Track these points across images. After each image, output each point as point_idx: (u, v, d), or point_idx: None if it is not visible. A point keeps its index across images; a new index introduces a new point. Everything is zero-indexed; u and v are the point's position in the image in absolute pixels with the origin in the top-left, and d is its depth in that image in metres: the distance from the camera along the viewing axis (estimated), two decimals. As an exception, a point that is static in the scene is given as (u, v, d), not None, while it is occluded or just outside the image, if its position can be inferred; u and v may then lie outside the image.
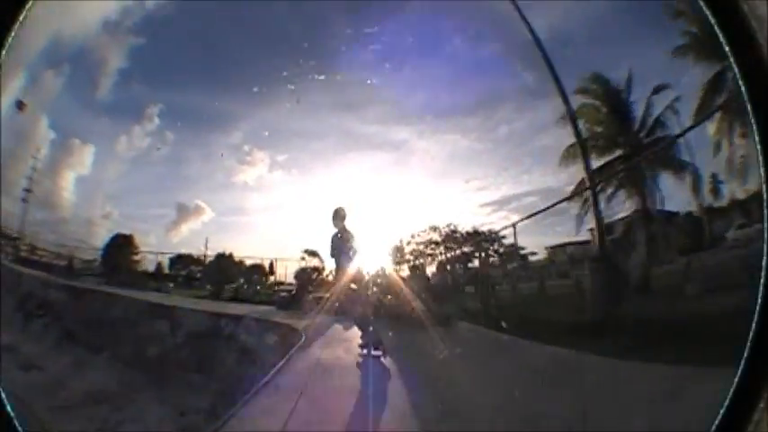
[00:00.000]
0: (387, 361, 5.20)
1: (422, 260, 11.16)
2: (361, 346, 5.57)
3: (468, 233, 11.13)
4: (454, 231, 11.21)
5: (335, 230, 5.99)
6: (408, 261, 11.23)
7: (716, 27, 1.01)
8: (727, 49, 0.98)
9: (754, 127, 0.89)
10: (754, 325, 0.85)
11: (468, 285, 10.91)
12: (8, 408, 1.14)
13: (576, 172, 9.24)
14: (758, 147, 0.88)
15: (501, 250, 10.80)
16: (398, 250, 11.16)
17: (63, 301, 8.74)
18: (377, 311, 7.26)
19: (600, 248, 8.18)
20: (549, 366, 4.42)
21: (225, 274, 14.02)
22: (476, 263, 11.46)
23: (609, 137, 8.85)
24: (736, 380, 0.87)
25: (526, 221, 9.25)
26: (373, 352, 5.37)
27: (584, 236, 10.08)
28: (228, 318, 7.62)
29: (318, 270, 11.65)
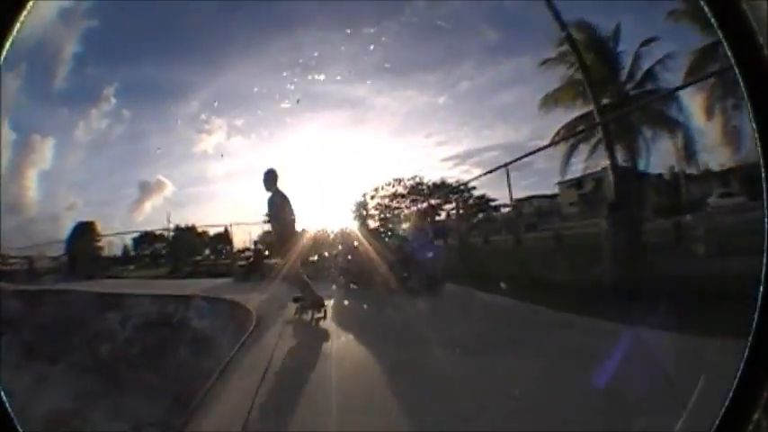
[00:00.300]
0: (367, 357, 4.06)
1: (389, 214, 10.31)
2: (301, 309, 5.08)
3: (434, 185, 10.38)
4: (419, 183, 10.47)
5: (269, 194, 5.62)
6: (373, 216, 10.41)
7: (716, 27, 1.01)
8: (727, 49, 0.98)
9: (755, 126, 0.89)
10: (754, 324, 0.86)
11: (437, 240, 9.70)
12: (8, 408, 1.13)
13: (546, 123, 8.99)
14: (758, 147, 0.88)
15: (470, 202, 10.29)
16: (362, 206, 10.43)
17: (19, 310, 8.45)
18: (349, 277, 6.63)
19: (617, 195, 7.40)
20: (605, 346, 3.03)
21: (188, 248, 13.26)
22: (442, 216, 10.46)
23: (593, 86, 8.64)
24: (736, 379, 0.87)
25: (489, 175, 8.89)
26: (316, 315, 4.98)
27: (550, 189, 9.82)
28: (179, 300, 6.69)
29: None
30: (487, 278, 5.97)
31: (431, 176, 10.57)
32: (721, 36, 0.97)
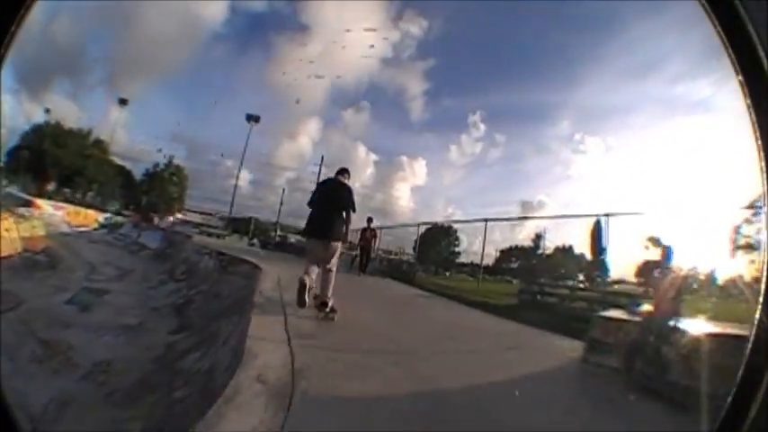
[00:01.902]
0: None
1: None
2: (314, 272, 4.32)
3: None
4: None
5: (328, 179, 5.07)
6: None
7: (715, 27, 1.01)
8: (726, 49, 0.99)
9: (756, 126, 0.90)
10: (754, 328, 0.86)
11: None
12: (9, 408, 1.13)
13: None
14: (759, 148, 0.88)
15: None
16: None
17: (208, 269, 8.65)
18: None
19: None
20: None
21: (555, 267, 11.76)
22: None
23: None
24: (737, 381, 0.88)
25: None
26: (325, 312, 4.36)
27: None
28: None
29: (660, 265, 8.80)
30: None
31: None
32: (721, 37, 0.98)
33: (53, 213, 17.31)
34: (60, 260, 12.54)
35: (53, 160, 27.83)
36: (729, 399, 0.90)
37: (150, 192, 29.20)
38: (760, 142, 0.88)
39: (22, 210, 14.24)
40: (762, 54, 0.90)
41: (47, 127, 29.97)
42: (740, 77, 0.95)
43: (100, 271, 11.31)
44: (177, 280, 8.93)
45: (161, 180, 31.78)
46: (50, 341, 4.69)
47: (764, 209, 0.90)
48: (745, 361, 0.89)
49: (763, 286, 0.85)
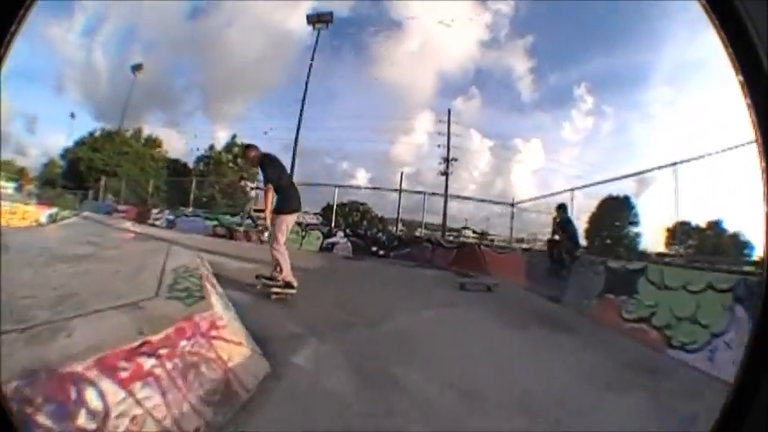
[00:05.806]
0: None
1: None
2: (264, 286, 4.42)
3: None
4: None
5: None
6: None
7: (714, 27, 1.01)
8: (726, 49, 0.98)
9: (756, 126, 0.90)
10: (755, 326, 0.86)
11: None
12: (9, 408, 1.13)
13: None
14: (759, 147, 0.88)
15: None
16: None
17: None
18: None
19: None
20: None
21: None
22: None
23: None
24: (735, 380, 0.88)
25: None
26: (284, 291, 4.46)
27: None
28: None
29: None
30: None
31: None
32: (721, 37, 0.98)
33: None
34: None
35: (87, 165, 24.36)
36: (729, 399, 0.90)
37: (204, 180, 21.62)
38: (761, 142, 0.88)
39: None
40: (762, 54, 0.89)
41: (88, 137, 26.52)
42: (740, 77, 0.94)
43: None
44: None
45: (218, 164, 24.32)
46: None
47: (765, 208, 0.90)
48: (744, 361, 0.88)
49: (763, 284, 0.85)
